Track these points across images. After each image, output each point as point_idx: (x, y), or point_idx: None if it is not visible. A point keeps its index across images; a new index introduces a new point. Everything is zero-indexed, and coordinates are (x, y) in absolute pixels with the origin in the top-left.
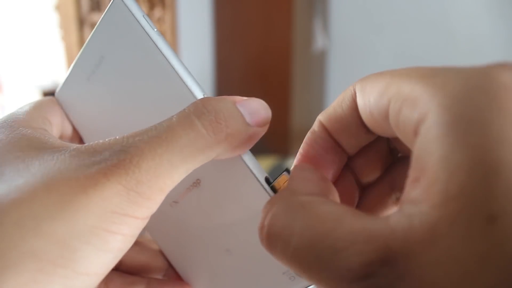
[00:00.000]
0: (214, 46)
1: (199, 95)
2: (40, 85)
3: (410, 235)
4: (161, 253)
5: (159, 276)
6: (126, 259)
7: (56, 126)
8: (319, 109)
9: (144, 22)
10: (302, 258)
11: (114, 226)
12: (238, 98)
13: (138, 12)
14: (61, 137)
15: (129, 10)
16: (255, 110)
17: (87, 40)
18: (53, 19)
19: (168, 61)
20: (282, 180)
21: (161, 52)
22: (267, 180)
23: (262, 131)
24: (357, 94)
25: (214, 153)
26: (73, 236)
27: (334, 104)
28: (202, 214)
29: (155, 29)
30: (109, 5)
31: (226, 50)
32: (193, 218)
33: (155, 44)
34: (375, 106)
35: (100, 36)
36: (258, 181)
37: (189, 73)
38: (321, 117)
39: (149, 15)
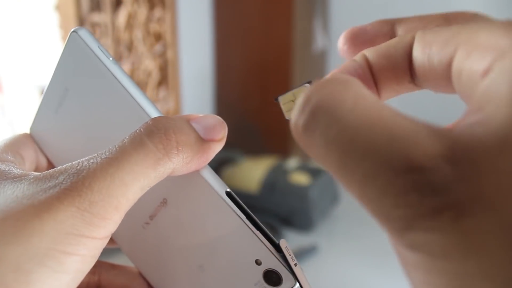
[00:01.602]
0: (214, 46)
1: (154, 116)
2: (40, 85)
3: (477, 142)
4: (140, 274)
5: None
6: (105, 283)
7: (29, 160)
8: None
9: (99, 52)
10: (347, 139)
11: (70, 247)
12: (193, 115)
13: (94, 44)
14: (36, 170)
15: (85, 42)
16: (209, 125)
17: (52, 74)
18: (53, 19)
19: (124, 87)
20: (300, 91)
21: (117, 79)
22: (228, 194)
23: (219, 145)
24: (416, 41)
25: (168, 169)
26: (27, 259)
27: (387, 43)
28: (173, 232)
29: (111, 58)
30: (66, 39)
31: (226, 50)
32: (165, 237)
33: (111, 73)
34: (436, 53)
35: (62, 69)
36: (219, 195)
37: (145, 96)
38: (366, 52)
39: (149, 15)
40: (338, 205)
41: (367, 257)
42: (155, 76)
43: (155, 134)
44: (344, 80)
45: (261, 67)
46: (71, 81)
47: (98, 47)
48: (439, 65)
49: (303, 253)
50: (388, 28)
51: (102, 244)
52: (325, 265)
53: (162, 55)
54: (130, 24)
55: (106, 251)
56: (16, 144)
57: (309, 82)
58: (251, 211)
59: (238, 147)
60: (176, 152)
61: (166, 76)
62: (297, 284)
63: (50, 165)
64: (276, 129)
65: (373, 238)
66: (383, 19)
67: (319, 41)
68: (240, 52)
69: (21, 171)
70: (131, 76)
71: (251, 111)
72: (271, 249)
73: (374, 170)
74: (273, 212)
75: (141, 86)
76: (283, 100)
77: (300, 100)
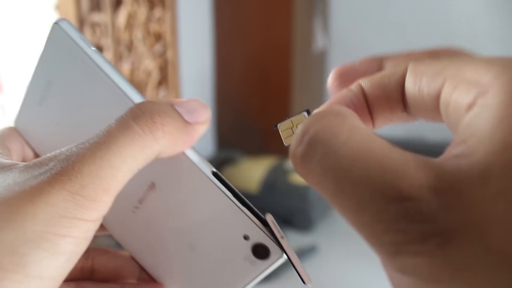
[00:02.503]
0: (214, 46)
1: (139, 101)
2: None
3: (461, 174)
4: (132, 258)
5: (133, 281)
6: (98, 267)
7: (15, 152)
8: None
9: (81, 42)
10: (342, 169)
11: (63, 229)
12: (176, 100)
13: (75, 34)
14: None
15: (67, 33)
16: (193, 108)
17: (34, 67)
18: (53, 19)
19: (107, 75)
20: (298, 120)
21: (100, 68)
22: (214, 173)
23: (202, 128)
24: (408, 73)
25: (154, 151)
26: (22, 242)
27: (381, 74)
28: (162, 214)
29: (93, 48)
30: (49, 31)
31: (226, 50)
32: (156, 220)
33: (94, 62)
34: (426, 84)
35: (45, 61)
36: (205, 174)
37: (128, 83)
38: (362, 82)
39: (149, 15)
40: None
41: (367, 257)
42: (155, 76)
43: (141, 117)
44: (341, 113)
45: (261, 67)
46: (54, 73)
47: (80, 37)
48: (428, 96)
49: (303, 253)
50: (377, 65)
51: (94, 226)
52: (325, 265)
53: (162, 55)
54: (130, 24)
55: (97, 239)
56: (2, 137)
57: (307, 111)
58: None
59: (238, 147)
60: (161, 134)
61: (166, 76)
62: (284, 255)
63: (37, 157)
64: (275, 129)
65: None
66: (371, 57)
67: (319, 41)
68: (240, 52)
69: (10, 161)
70: (131, 76)
71: (251, 111)
72: (258, 224)
73: (367, 198)
74: (273, 212)
75: (141, 86)
76: (282, 127)
77: (298, 131)
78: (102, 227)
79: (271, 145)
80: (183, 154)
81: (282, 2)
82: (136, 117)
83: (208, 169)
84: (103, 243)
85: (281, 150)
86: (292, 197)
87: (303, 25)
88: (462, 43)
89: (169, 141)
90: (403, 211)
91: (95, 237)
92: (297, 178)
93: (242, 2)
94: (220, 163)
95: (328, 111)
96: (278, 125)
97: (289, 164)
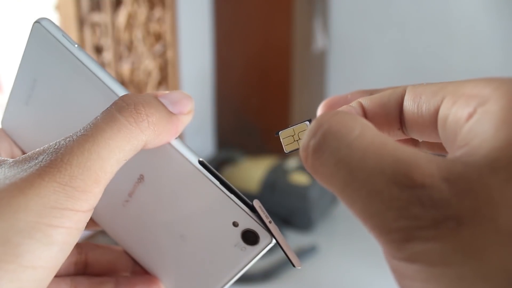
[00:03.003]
0: (214, 46)
1: (123, 94)
2: None
3: (469, 165)
4: (125, 251)
5: (127, 274)
6: (92, 262)
7: (4, 153)
8: None
9: (64, 40)
10: (356, 159)
11: (55, 220)
12: (159, 92)
13: (57, 32)
14: None
15: (48, 31)
16: (176, 99)
17: (18, 66)
18: (53, 19)
19: (91, 71)
20: (300, 128)
21: (84, 65)
22: (201, 162)
23: (187, 118)
24: (407, 92)
25: (141, 142)
26: (15, 232)
27: (381, 94)
28: (152, 206)
29: (76, 45)
30: (30, 30)
31: (226, 50)
32: (146, 212)
33: (78, 59)
34: (425, 102)
35: (28, 60)
36: (191, 163)
37: (112, 77)
38: (362, 99)
39: (149, 15)
40: (338, 205)
41: (367, 257)
42: (155, 76)
43: (126, 109)
44: (352, 112)
45: (261, 67)
46: (38, 71)
47: (63, 35)
48: (426, 112)
49: (303, 253)
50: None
51: (85, 217)
52: (325, 265)
53: (162, 55)
54: (130, 24)
55: (89, 236)
56: None
57: (309, 120)
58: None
59: (238, 147)
60: (147, 124)
61: (166, 76)
62: (274, 240)
63: None
64: (276, 129)
65: (372, 238)
66: (361, 90)
67: (319, 41)
68: (240, 52)
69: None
70: (131, 76)
71: (251, 111)
72: (246, 210)
73: (381, 186)
74: (273, 212)
75: (141, 86)
76: (283, 135)
77: (312, 126)
78: (94, 223)
79: (271, 145)
80: (169, 145)
81: (282, 2)
82: (121, 109)
83: (194, 158)
84: (100, 241)
85: (281, 150)
86: (292, 197)
87: (303, 25)
88: (462, 43)
89: (154, 132)
90: (416, 198)
91: (91, 236)
92: (297, 178)
93: (242, 2)
94: (220, 163)
95: (340, 110)
96: (279, 133)
97: (289, 164)
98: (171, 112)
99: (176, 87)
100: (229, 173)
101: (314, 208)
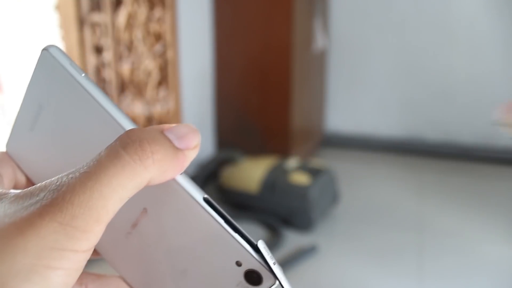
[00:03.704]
0: (214, 46)
1: (129, 128)
2: None
3: None
4: (126, 282)
5: None
6: None
7: (7, 178)
8: (319, 109)
9: (71, 69)
10: None
11: (54, 262)
12: (166, 126)
13: (65, 61)
14: (15, 187)
15: (57, 60)
16: (183, 134)
17: (24, 91)
18: (53, 19)
19: (98, 102)
20: None
21: (90, 95)
22: (206, 200)
23: (193, 153)
24: None
25: (144, 180)
26: (12, 276)
27: None
28: (155, 240)
29: (83, 74)
30: (38, 57)
31: (226, 50)
32: (148, 245)
33: (84, 89)
34: None
35: (35, 86)
36: (196, 201)
37: (118, 108)
38: None
39: (149, 15)
40: (338, 205)
41: (367, 257)
42: (155, 76)
43: (130, 145)
44: None
45: (261, 67)
46: (45, 98)
47: (70, 64)
48: None
49: (303, 253)
50: None
51: (85, 256)
52: (325, 265)
53: (162, 55)
54: (130, 24)
55: (90, 262)
56: None
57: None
58: (250, 211)
59: (238, 147)
60: (151, 162)
61: (166, 76)
62: (277, 282)
63: (29, 181)
64: (276, 129)
65: (372, 238)
66: None
67: (319, 41)
68: (240, 52)
69: (1, 190)
70: (131, 76)
71: (251, 111)
72: (250, 251)
73: None
74: (273, 212)
75: (141, 86)
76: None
77: None
78: (95, 251)
79: (271, 145)
80: (174, 180)
81: (282, 2)
82: (126, 145)
83: (199, 195)
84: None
85: (281, 150)
86: (292, 197)
87: (303, 25)
88: (462, 43)
89: (159, 169)
90: None
91: (90, 262)
92: (297, 178)
93: (242, 2)
94: (220, 163)
95: None
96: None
97: (289, 164)
98: (177, 148)
99: (176, 87)
100: (229, 173)
101: (314, 208)
